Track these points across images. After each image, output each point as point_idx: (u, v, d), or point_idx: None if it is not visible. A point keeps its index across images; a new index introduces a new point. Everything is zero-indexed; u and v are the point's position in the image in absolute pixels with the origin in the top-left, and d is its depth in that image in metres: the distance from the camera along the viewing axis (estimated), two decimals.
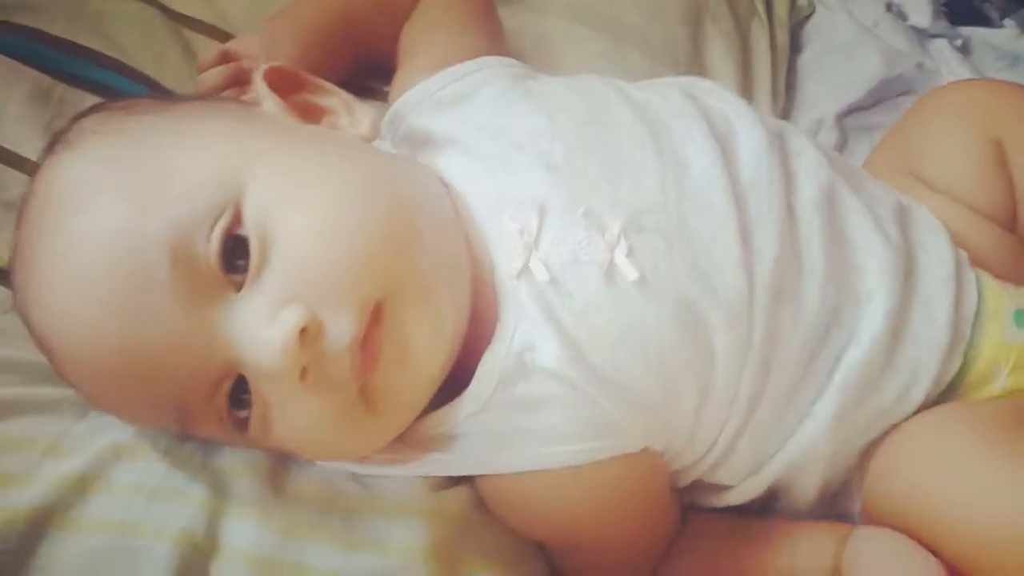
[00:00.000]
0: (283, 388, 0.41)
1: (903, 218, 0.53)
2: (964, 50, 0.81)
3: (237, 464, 0.46)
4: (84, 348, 0.41)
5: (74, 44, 0.60)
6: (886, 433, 0.50)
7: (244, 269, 0.41)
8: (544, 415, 0.46)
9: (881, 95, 0.77)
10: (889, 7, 0.82)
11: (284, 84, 0.49)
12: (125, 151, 0.42)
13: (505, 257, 0.46)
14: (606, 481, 0.47)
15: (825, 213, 0.50)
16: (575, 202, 0.46)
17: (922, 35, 0.81)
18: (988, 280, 0.53)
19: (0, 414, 0.46)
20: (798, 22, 0.83)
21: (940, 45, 0.81)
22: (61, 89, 0.59)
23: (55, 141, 0.45)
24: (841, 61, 0.78)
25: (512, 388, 0.45)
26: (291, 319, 0.40)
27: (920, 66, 0.78)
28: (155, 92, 0.61)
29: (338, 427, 0.43)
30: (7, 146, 0.56)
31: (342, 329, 0.41)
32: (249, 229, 0.41)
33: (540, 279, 0.45)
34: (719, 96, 0.54)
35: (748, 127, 0.51)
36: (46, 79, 0.59)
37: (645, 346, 0.45)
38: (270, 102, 0.48)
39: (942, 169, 0.59)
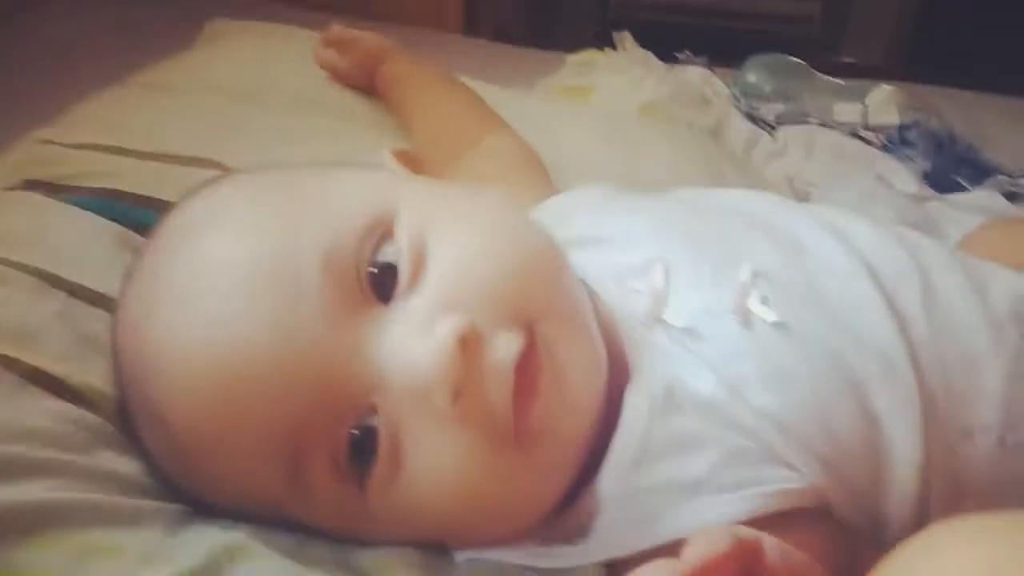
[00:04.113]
0: (427, 417, 0.37)
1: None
2: (955, 209, 0.88)
3: (381, 558, 0.40)
4: (210, 358, 0.37)
5: (150, 199, 0.60)
6: None
7: (394, 288, 0.39)
8: (700, 460, 0.40)
9: None
10: (879, 179, 0.90)
11: (409, 164, 0.50)
12: (269, 181, 0.42)
13: (634, 316, 0.44)
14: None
15: (958, 266, 0.48)
16: (698, 263, 0.46)
17: (914, 200, 0.89)
18: None
19: (85, 521, 0.39)
20: None
21: (934, 206, 0.88)
22: (140, 239, 0.57)
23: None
24: None
25: (665, 423, 0.41)
26: (450, 326, 0.36)
27: (926, 217, 0.84)
28: None
29: (487, 471, 0.38)
30: (89, 285, 0.53)
31: (505, 344, 0.37)
32: (403, 245, 0.39)
33: (676, 325, 0.43)
34: (813, 205, 0.56)
35: (853, 219, 0.50)
36: (126, 231, 0.57)
37: (799, 391, 0.41)
38: (400, 171, 0.48)
39: None
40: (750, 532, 0.31)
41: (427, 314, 0.38)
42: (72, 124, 0.69)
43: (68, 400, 0.45)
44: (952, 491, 0.42)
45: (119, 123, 0.69)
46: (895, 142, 0.95)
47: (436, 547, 0.41)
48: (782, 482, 0.40)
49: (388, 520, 0.39)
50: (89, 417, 0.45)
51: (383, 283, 0.39)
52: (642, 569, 0.31)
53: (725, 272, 0.45)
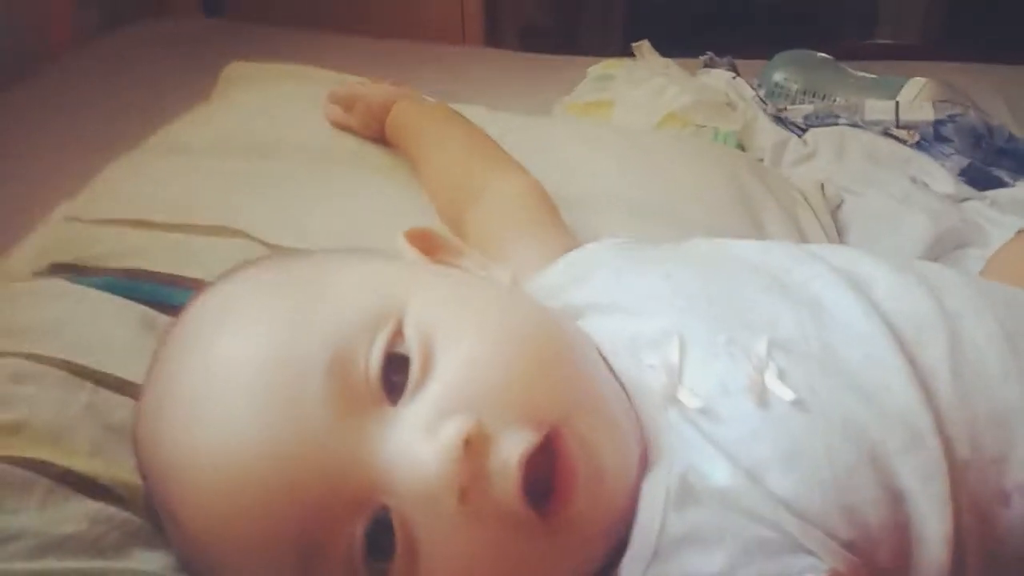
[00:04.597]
0: (439, 517, 0.37)
1: None
2: (996, 208, 0.85)
3: None
4: (215, 462, 0.38)
5: (174, 276, 0.61)
6: None
7: (402, 387, 0.39)
8: (720, 554, 0.39)
9: (938, 252, 0.79)
10: (913, 180, 0.87)
11: (423, 245, 0.49)
12: (284, 276, 0.43)
13: (649, 394, 0.43)
14: None
15: (991, 310, 0.46)
16: (714, 331, 0.45)
17: (951, 200, 0.86)
18: None
19: None
20: (832, 212, 0.88)
21: (973, 205, 0.85)
22: (164, 319, 0.58)
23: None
24: (889, 229, 0.81)
25: (682, 515, 0.40)
26: (455, 427, 0.36)
27: (964, 220, 0.81)
28: None
29: (508, 560, 0.38)
30: (115, 372, 0.54)
31: (513, 443, 0.37)
32: (411, 343, 0.39)
33: (691, 406, 0.42)
34: (835, 251, 0.54)
35: (872, 265, 0.49)
36: (151, 312, 0.59)
37: (818, 471, 0.40)
38: (412, 256, 0.48)
39: None
40: None
41: (433, 415, 0.38)
42: (95, 197, 0.70)
43: (100, 498, 0.46)
44: (989, 558, 0.40)
45: (141, 193, 0.70)
46: (930, 139, 0.91)
47: None
48: (807, 571, 0.39)
49: None
50: (122, 515, 0.46)
51: (390, 383, 0.39)
52: None
53: (742, 342, 0.44)
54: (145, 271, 0.61)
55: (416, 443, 0.37)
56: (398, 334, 0.40)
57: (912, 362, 0.43)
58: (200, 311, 0.44)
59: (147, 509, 0.46)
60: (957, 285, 0.49)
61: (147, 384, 0.44)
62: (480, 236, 0.65)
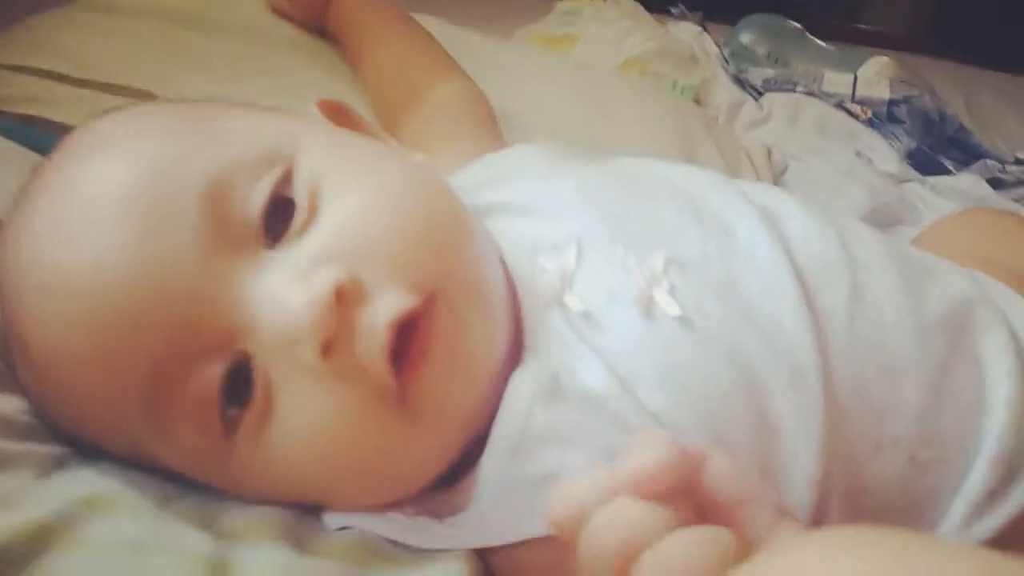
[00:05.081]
0: (298, 368, 0.35)
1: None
2: (934, 192, 0.85)
3: (250, 520, 0.38)
4: (70, 281, 0.35)
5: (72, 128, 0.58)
6: None
7: (282, 234, 0.37)
8: (580, 454, 0.38)
9: (872, 225, 0.79)
10: (858, 154, 0.87)
11: (338, 119, 0.47)
12: (173, 110, 0.40)
13: (536, 296, 0.42)
14: None
15: (896, 266, 0.45)
16: (614, 242, 0.43)
17: (893, 180, 0.86)
18: None
19: None
20: (775, 176, 0.87)
21: (913, 187, 0.85)
22: None
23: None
24: (827, 198, 0.81)
25: (548, 412, 0.39)
26: (327, 275, 0.35)
27: (902, 199, 0.81)
28: None
29: (361, 428, 0.36)
30: None
31: (387, 303, 0.36)
32: (299, 189, 0.37)
33: (574, 309, 0.41)
34: (756, 187, 0.53)
35: (791, 205, 0.47)
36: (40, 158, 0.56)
37: (691, 392, 0.39)
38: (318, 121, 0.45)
39: None
40: (697, 444, 0.28)
41: (309, 263, 0.36)
42: (11, 44, 0.67)
43: None
44: (851, 507, 0.40)
45: (59, 47, 0.66)
46: (882, 118, 0.91)
47: (311, 510, 0.40)
48: None
49: (251, 472, 0.38)
50: None
51: (271, 227, 0.37)
52: (572, 482, 0.28)
53: (640, 256, 0.43)
54: (44, 119, 0.58)
55: (285, 288, 0.36)
56: (287, 179, 0.38)
57: (810, 303, 0.42)
58: (78, 136, 0.41)
59: (2, 347, 0.44)
60: (869, 240, 0.48)
61: (12, 208, 0.41)
62: (413, 137, 0.63)
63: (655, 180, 0.49)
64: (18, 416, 0.42)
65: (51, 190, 0.38)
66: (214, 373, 0.36)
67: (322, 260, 0.36)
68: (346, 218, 0.37)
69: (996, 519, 0.40)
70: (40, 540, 0.34)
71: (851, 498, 0.40)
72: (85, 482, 0.38)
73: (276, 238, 0.37)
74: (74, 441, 0.41)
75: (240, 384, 0.36)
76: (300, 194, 0.37)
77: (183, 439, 0.37)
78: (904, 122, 0.90)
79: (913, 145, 0.88)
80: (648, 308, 0.41)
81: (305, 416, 0.36)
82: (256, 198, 0.37)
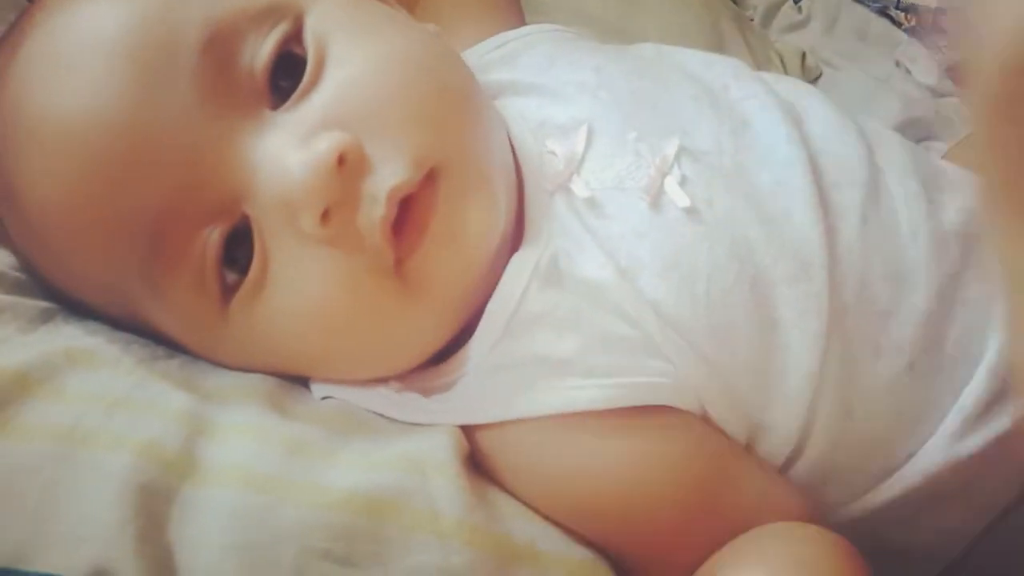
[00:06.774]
0: (296, 235, 0.34)
1: None
2: None
3: (236, 383, 0.38)
4: (67, 128, 0.34)
5: None
6: None
7: (288, 91, 0.35)
8: (573, 338, 0.37)
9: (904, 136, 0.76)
10: (897, 64, 0.83)
11: None
12: None
13: (541, 179, 0.41)
14: (640, 440, 0.37)
15: (918, 174, 0.43)
16: (626, 127, 0.41)
17: (932, 93, 0.82)
18: None
19: None
20: (808, 83, 0.84)
21: (951, 101, 0.81)
22: None
23: None
24: (859, 107, 0.77)
25: (543, 294, 0.38)
26: (330, 139, 0.33)
27: (937, 113, 0.78)
28: None
29: (357, 300, 0.35)
30: None
31: (389, 173, 0.34)
32: (308, 45, 0.36)
33: (579, 195, 0.39)
34: (782, 81, 0.50)
35: (816, 100, 0.46)
36: None
37: (693, 283, 0.38)
38: None
39: None
40: None
41: (313, 126, 0.35)
42: None
43: None
44: (842, 409, 0.39)
45: None
46: (928, 28, 0.86)
47: (294, 379, 0.40)
48: (656, 375, 0.37)
49: (244, 339, 0.37)
50: None
51: (276, 85, 0.36)
52: None
53: (651, 143, 0.41)
54: None
55: (288, 150, 0.34)
56: (296, 36, 0.36)
57: (823, 199, 0.41)
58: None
59: None
60: (894, 144, 0.46)
61: None
62: (430, 10, 0.60)
63: (673, 66, 0.47)
64: (7, 271, 0.42)
65: (42, 31, 0.37)
66: (214, 235, 0.35)
67: (327, 124, 0.35)
68: (354, 82, 0.36)
69: (979, 438, 0.39)
70: (18, 388, 0.34)
71: (842, 405, 0.39)
72: (69, 336, 0.38)
73: (282, 97, 0.36)
74: (62, 297, 0.40)
75: (240, 250, 0.35)
76: (310, 51, 0.36)
77: (179, 301, 0.36)
78: (949, 33, 0.86)
79: (957, 59, 0.84)
80: (657, 197, 0.39)
81: (301, 285, 0.35)
82: (263, 51, 0.35)
